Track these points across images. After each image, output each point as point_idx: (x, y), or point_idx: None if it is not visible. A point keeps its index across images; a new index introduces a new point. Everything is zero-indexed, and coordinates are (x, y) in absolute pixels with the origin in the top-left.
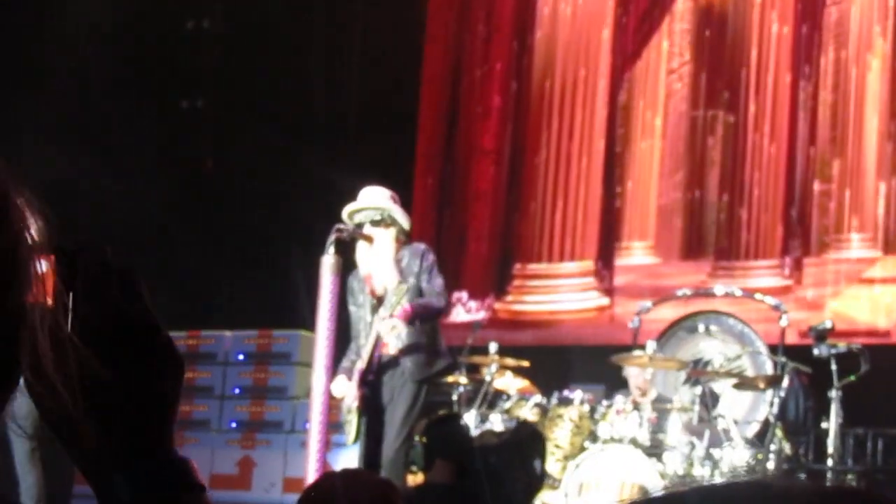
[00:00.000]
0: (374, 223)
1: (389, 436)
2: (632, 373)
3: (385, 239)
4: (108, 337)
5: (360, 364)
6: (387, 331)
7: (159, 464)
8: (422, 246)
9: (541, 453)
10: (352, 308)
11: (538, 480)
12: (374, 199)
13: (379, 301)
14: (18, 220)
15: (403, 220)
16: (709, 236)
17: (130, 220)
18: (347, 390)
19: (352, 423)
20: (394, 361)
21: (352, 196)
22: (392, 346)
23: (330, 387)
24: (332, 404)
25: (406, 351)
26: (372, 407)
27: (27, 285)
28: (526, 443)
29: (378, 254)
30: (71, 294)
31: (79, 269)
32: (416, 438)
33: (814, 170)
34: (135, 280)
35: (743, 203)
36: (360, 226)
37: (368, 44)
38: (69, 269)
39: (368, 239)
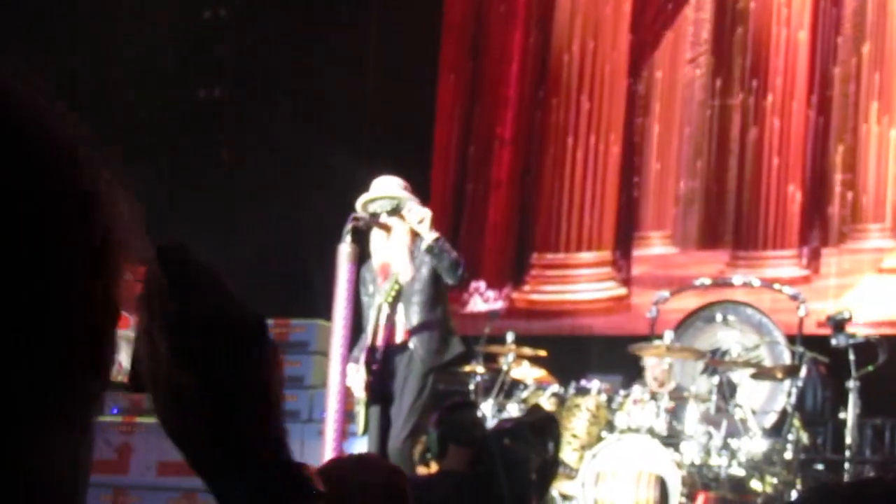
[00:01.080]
0: (389, 213)
1: (396, 426)
2: (649, 363)
3: (400, 229)
4: (211, 334)
5: (361, 346)
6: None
7: (273, 469)
8: (436, 233)
9: (554, 436)
10: (364, 299)
11: (553, 463)
12: (387, 189)
13: (399, 292)
14: (108, 214)
15: (417, 203)
16: (727, 226)
17: (146, 210)
18: (356, 381)
19: (360, 414)
20: (403, 348)
21: (369, 185)
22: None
23: (346, 382)
24: (349, 393)
25: (417, 337)
26: (380, 397)
27: (116, 279)
28: (539, 424)
29: (394, 243)
30: (166, 293)
31: (170, 267)
32: (431, 426)
33: (833, 160)
34: (220, 274)
35: (761, 193)
36: (375, 215)
37: (385, 32)
38: (163, 268)
39: (386, 228)
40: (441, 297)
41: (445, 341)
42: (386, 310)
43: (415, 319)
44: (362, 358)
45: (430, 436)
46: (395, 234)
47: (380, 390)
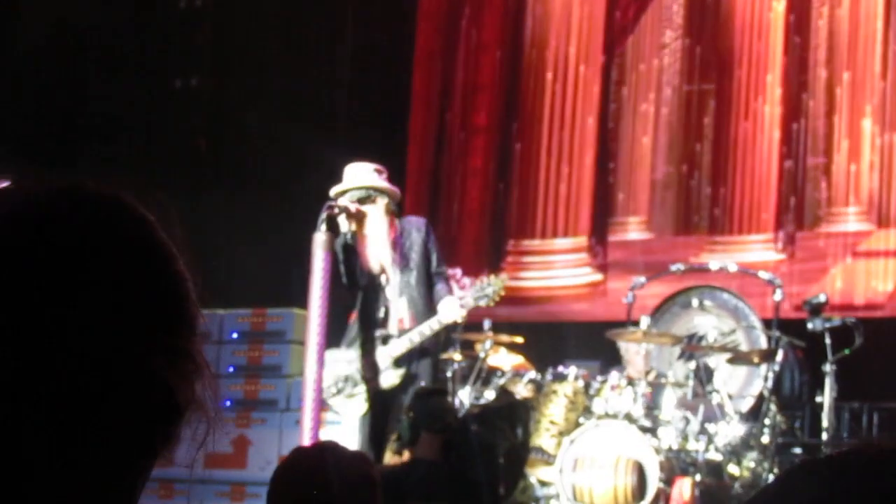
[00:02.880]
0: (362, 201)
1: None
2: (631, 350)
3: (376, 215)
4: None
5: (394, 346)
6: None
7: None
8: (421, 220)
9: (523, 421)
10: (348, 279)
11: (522, 447)
12: (358, 178)
13: (379, 274)
14: (183, 271)
15: (392, 192)
16: (702, 211)
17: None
18: (350, 361)
19: (361, 393)
20: (425, 350)
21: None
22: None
23: (327, 357)
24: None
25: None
26: (402, 389)
27: (192, 330)
28: (507, 410)
29: (371, 230)
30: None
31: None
32: (402, 413)
33: (807, 144)
34: None
35: (735, 177)
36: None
37: (361, 21)
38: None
39: (361, 215)
40: (437, 276)
41: (448, 340)
42: (389, 300)
43: (420, 305)
44: (381, 348)
45: (401, 423)
46: (369, 221)
47: (403, 382)
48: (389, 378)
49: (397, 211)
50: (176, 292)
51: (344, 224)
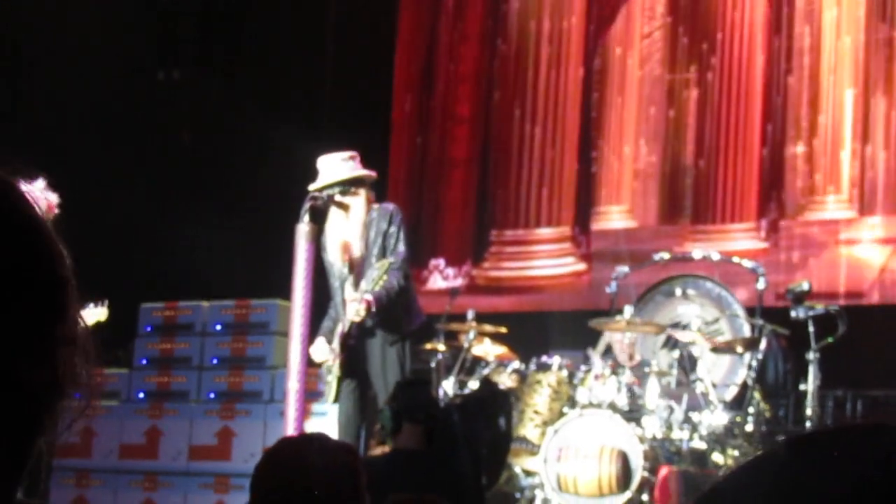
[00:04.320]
0: (344, 193)
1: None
2: (615, 338)
3: (356, 205)
4: None
5: (340, 329)
6: (353, 314)
7: None
8: (391, 206)
9: (506, 411)
10: (329, 268)
11: (505, 438)
12: (334, 173)
13: (352, 266)
14: (60, 251)
15: (368, 178)
16: (685, 200)
17: (106, 191)
18: (327, 353)
19: (332, 385)
20: (370, 328)
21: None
22: (366, 321)
23: (310, 350)
24: (310, 373)
25: (380, 316)
26: (354, 371)
27: (69, 309)
28: (490, 400)
29: (351, 221)
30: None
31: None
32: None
33: (789, 132)
34: None
35: (718, 166)
36: (331, 196)
37: (343, 11)
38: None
39: (343, 206)
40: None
41: (408, 311)
42: (350, 289)
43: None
44: (336, 332)
45: (383, 413)
46: (350, 212)
47: (354, 365)
48: (336, 367)
49: (374, 196)
50: (52, 273)
51: (332, 214)
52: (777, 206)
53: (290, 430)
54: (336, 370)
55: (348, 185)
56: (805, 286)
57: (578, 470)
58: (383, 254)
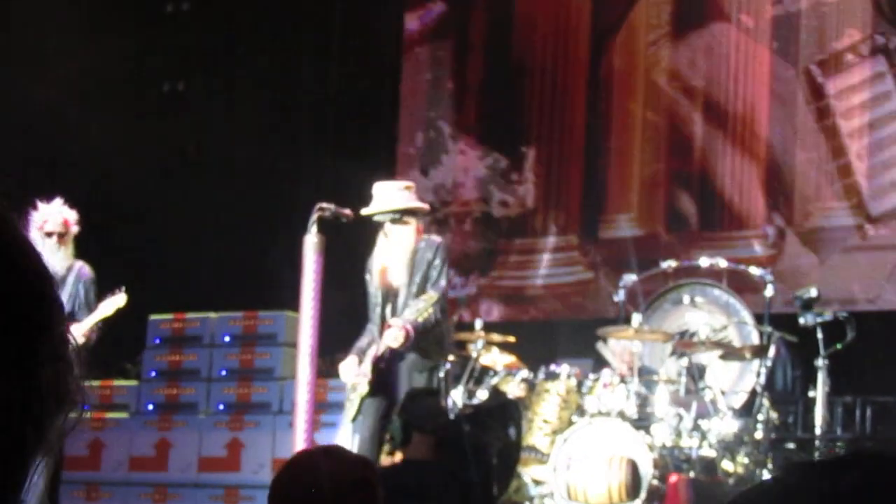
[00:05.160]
0: (395, 221)
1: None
2: (614, 348)
3: (405, 235)
4: None
5: (373, 350)
6: (391, 340)
7: None
8: (438, 239)
9: (516, 420)
10: (370, 289)
11: (514, 447)
12: (388, 202)
13: (391, 293)
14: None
15: (420, 211)
16: (692, 207)
17: (115, 203)
18: (355, 373)
19: (354, 402)
20: (402, 354)
21: (333, 174)
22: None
23: (339, 367)
24: (319, 384)
25: (414, 345)
26: (381, 390)
27: (55, 326)
28: (500, 409)
29: (397, 249)
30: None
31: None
32: (394, 414)
33: (795, 139)
34: None
35: (725, 173)
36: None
37: (350, 23)
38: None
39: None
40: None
41: (440, 340)
42: (389, 314)
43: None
44: (368, 353)
45: (393, 424)
46: (398, 241)
47: (382, 385)
48: (361, 387)
49: (425, 226)
50: (34, 290)
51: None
52: (784, 213)
53: (299, 441)
54: (361, 389)
55: (400, 215)
56: (813, 293)
57: (588, 478)
58: (424, 284)
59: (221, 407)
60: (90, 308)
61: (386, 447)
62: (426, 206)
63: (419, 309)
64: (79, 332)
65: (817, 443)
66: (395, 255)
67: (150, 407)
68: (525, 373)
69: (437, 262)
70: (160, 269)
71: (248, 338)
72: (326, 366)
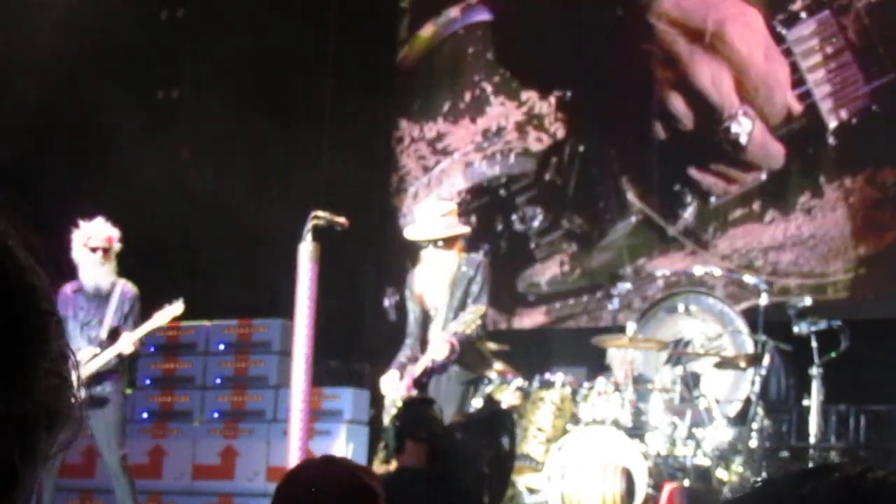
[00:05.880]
0: (437, 246)
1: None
2: (615, 356)
3: (447, 257)
4: None
5: (414, 369)
6: (436, 352)
7: None
8: (479, 257)
9: (509, 430)
10: (409, 304)
11: (507, 456)
12: (431, 229)
13: (430, 311)
14: (35, 284)
15: (462, 234)
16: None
17: (108, 211)
18: (396, 388)
19: (391, 413)
20: (443, 365)
21: (330, 182)
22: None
23: (380, 380)
24: (313, 392)
25: (457, 357)
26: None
27: (48, 342)
28: (492, 419)
29: (439, 269)
30: None
31: None
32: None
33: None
34: None
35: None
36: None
37: (344, 27)
38: None
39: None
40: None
41: (480, 356)
42: (433, 329)
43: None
44: (409, 370)
45: (387, 432)
46: (440, 263)
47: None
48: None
49: (466, 245)
50: (31, 306)
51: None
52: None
53: (294, 449)
54: (400, 402)
55: (443, 241)
56: (807, 301)
57: (582, 487)
58: (465, 300)
59: (216, 415)
60: (135, 324)
61: (381, 455)
62: (467, 230)
63: (466, 321)
64: (130, 339)
65: (811, 451)
66: (437, 274)
67: (145, 415)
68: (519, 381)
69: (479, 278)
70: (154, 278)
71: (242, 346)
72: (366, 375)
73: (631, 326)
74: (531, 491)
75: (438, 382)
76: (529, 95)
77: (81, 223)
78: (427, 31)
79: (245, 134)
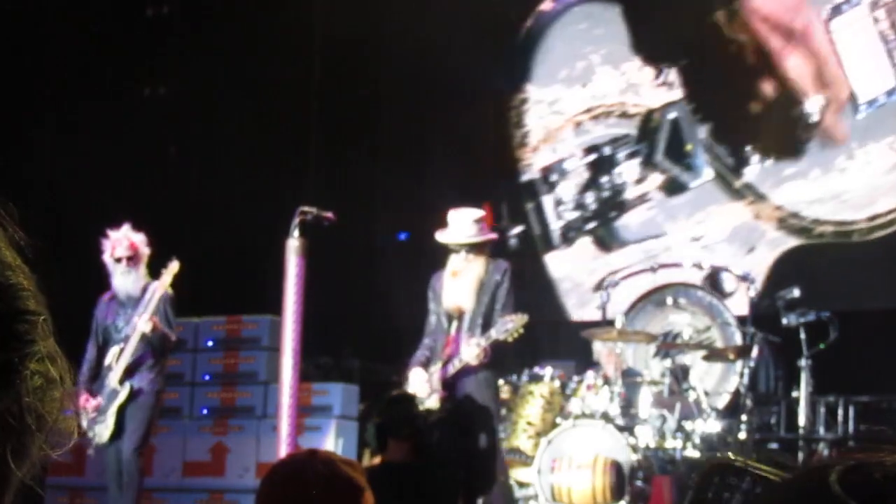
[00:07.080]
0: (467, 251)
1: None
2: (602, 351)
3: (476, 263)
4: None
5: (440, 366)
6: (470, 357)
7: None
8: (505, 263)
9: (487, 427)
10: (431, 305)
11: (489, 452)
12: (461, 234)
13: (455, 313)
14: (15, 282)
15: (490, 242)
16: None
17: (96, 208)
18: (424, 385)
19: None
20: (473, 369)
21: (315, 175)
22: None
23: (408, 378)
24: (302, 388)
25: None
26: (450, 404)
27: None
28: (472, 414)
29: (467, 274)
30: None
31: None
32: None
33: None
34: None
35: None
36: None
37: (331, 24)
38: None
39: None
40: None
41: (503, 355)
42: (465, 332)
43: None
44: (432, 370)
45: (368, 429)
46: (469, 269)
47: (450, 400)
48: (432, 401)
49: (492, 251)
50: (13, 306)
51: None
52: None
53: (284, 445)
54: (430, 404)
55: (472, 246)
56: (795, 293)
57: (572, 480)
58: (492, 305)
59: (205, 411)
60: (171, 325)
61: (369, 450)
62: (494, 236)
63: (509, 330)
64: (144, 319)
65: (800, 443)
66: (464, 278)
67: None
68: (509, 375)
69: (506, 284)
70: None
71: (231, 342)
72: (396, 372)
73: (620, 320)
74: (521, 484)
75: (468, 385)
76: (629, 66)
77: (109, 232)
78: (546, 4)
79: (232, 129)
